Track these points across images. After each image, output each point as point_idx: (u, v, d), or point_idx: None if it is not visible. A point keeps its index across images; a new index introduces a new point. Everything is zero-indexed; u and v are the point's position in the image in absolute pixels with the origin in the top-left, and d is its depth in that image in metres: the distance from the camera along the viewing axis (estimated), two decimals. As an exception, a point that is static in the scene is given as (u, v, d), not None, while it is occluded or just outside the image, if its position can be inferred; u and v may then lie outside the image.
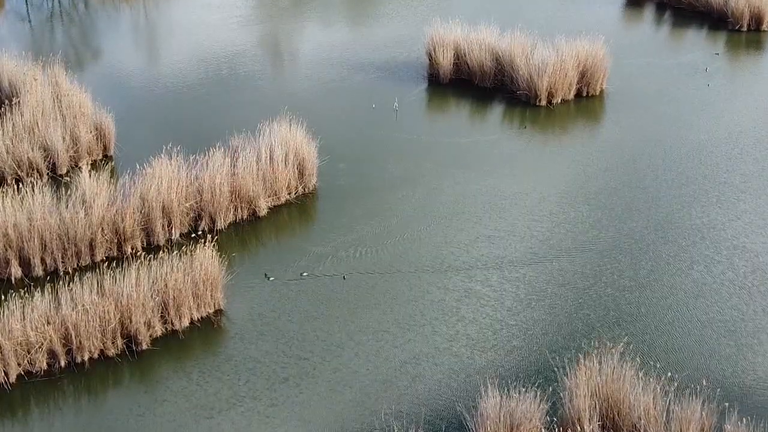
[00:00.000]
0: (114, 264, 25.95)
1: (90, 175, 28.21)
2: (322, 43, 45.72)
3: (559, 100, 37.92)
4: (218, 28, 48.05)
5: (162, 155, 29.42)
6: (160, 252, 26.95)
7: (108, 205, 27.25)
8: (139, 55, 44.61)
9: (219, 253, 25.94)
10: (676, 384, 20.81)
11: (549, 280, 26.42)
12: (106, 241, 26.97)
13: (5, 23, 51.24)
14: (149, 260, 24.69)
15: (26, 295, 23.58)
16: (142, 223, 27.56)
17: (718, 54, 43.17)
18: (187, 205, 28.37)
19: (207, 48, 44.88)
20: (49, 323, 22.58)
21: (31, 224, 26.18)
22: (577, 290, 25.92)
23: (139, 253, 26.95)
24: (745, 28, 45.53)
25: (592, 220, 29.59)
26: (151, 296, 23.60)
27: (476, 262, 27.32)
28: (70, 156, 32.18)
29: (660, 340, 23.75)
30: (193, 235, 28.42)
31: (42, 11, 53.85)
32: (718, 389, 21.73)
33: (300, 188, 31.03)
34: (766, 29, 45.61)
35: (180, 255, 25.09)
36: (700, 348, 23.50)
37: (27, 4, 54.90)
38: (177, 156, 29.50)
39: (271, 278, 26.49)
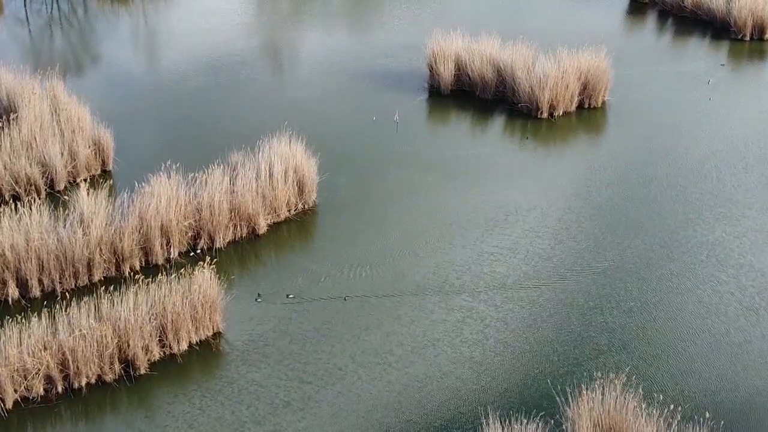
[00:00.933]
0: (112, 284, 25.69)
1: (88, 194, 27.88)
2: (322, 51, 45.40)
3: (561, 113, 37.61)
4: (217, 36, 47.68)
5: (161, 172, 29.14)
6: (159, 271, 26.79)
7: (106, 224, 26.95)
8: (138, 63, 44.28)
9: (218, 273, 25.71)
10: (679, 415, 20.53)
11: (553, 302, 26.12)
12: (104, 261, 26.68)
13: (4, 28, 50.94)
14: (147, 283, 24.37)
15: (23, 319, 23.27)
16: (141, 243, 27.27)
17: (723, 65, 42.83)
18: (186, 223, 28.07)
19: (206, 56, 44.53)
20: (46, 349, 22.29)
21: (28, 245, 25.89)
22: (582, 312, 25.62)
23: (137, 273, 26.66)
24: (747, 38, 45.20)
25: (596, 237, 29.30)
26: (149, 320, 23.31)
27: (479, 281, 27.01)
28: (69, 172, 31.89)
29: (665, 366, 23.44)
30: (191, 254, 28.15)
31: (41, 16, 53.53)
32: (722, 421, 21.41)
33: (300, 205, 30.73)
34: (769, 38, 45.40)
35: (178, 277, 24.81)
36: (706, 374, 23.17)
37: (26, 9, 54.58)
38: (176, 173, 29.17)
39: (259, 300, 26.24)
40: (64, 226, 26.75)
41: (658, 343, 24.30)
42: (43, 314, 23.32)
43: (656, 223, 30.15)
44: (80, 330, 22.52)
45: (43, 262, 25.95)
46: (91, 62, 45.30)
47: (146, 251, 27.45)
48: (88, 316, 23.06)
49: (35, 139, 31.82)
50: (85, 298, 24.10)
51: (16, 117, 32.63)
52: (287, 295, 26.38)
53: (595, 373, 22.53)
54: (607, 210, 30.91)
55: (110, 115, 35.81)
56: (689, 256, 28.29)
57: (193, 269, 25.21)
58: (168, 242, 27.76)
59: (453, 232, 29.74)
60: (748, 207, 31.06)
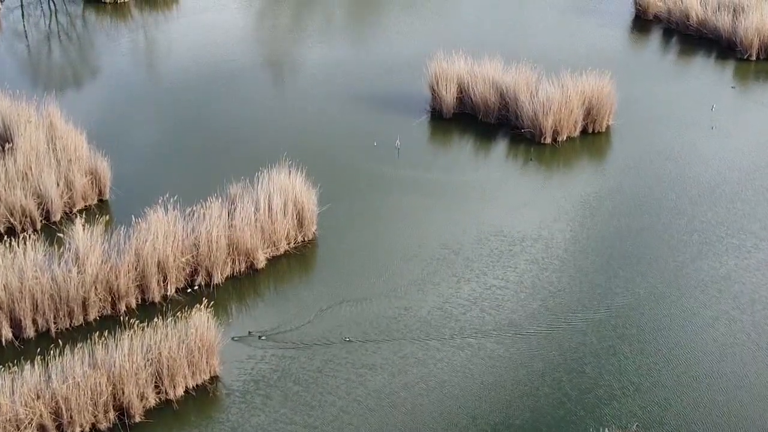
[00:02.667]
0: (107, 323, 25.29)
1: (83, 228, 27.38)
2: (323, 70, 44.80)
3: (565, 138, 37.09)
4: (217, 53, 47.03)
5: (158, 204, 28.65)
6: (156, 309, 26.39)
7: (102, 262, 26.48)
8: (136, 83, 43.69)
9: (215, 311, 25.30)
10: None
11: (564, 341, 25.55)
12: (100, 300, 26.21)
13: (2, 42, 50.49)
14: (143, 328, 23.87)
15: (16, 365, 22.76)
16: (137, 280, 26.79)
17: (734, 87, 42.20)
18: (183, 260, 27.60)
19: (205, 75, 43.96)
20: (39, 398, 21.80)
21: (22, 284, 25.41)
22: (594, 353, 25.06)
23: (133, 312, 26.25)
24: (754, 57, 44.62)
25: (605, 271, 28.76)
26: (145, 366, 22.82)
27: (485, 321, 26.48)
28: (65, 202, 31.42)
29: (680, 413, 22.91)
30: (189, 290, 27.68)
31: (39, 29, 53.06)
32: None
33: (300, 237, 30.24)
34: (775, 58, 44.81)
35: (175, 320, 24.31)
36: (722, 421, 22.70)
37: (24, 22, 54.11)
38: (173, 207, 28.66)
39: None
40: (59, 265, 26.27)
41: (672, 386, 23.76)
42: (36, 360, 22.83)
43: (666, 254, 29.60)
44: (74, 378, 22.04)
45: (37, 302, 25.47)
46: (88, 81, 44.76)
47: (142, 288, 26.97)
48: (82, 362, 22.57)
49: (31, 169, 31.34)
50: (80, 344, 23.58)
51: (12, 147, 32.15)
52: (259, 337, 25.82)
53: (608, 420, 22.03)
54: (615, 241, 30.38)
55: (107, 140, 35.40)
56: (701, 291, 27.74)
57: (190, 310, 24.74)
58: (165, 279, 27.28)
59: (456, 264, 29.24)
60: (761, 238, 30.49)
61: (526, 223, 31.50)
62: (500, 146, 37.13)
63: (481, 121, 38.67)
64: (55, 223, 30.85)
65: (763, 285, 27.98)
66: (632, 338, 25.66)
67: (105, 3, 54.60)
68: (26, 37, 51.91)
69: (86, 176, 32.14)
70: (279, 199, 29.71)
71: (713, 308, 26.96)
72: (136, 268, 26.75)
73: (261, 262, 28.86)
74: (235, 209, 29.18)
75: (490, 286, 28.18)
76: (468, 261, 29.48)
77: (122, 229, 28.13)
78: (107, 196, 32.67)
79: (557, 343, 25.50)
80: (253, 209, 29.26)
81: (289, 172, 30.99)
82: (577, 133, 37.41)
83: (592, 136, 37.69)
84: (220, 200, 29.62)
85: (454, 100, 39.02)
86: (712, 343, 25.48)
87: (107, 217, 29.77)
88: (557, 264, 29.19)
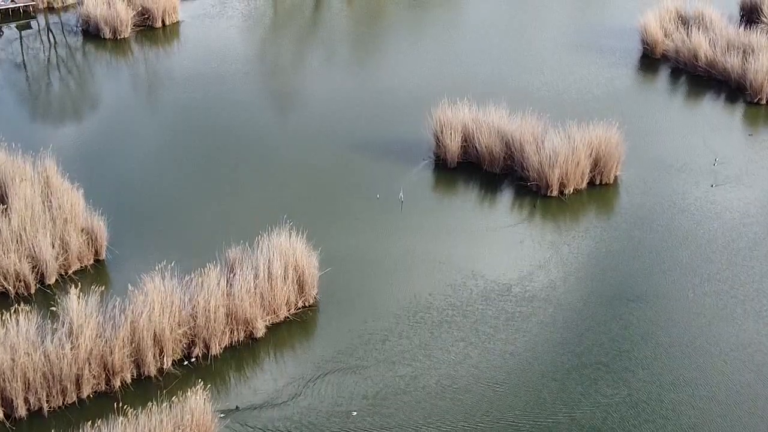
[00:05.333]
0: (101, 400, 24.62)
1: (78, 298, 26.63)
2: (323, 115, 43.84)
3: (572, 190, 36.30)
4: (217, 88, 46.27)
5: (155, 271, 27.95)
6: (151, 383, 25.72)
7: (96, 336, 25.75)
8: (134, 128, 42.65)
9: (213, 385, 24.62)
10: None
11: (582, 425, 24.64)
12: (94, 376, 25.46)
13: (1, 72, 49.86)
14: (136, 414, 23.12)
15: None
16: (133, 355, 26.06)
17: (751, 135, 41.30)
18: (180, 332, 26.86)
19: (205, 119, 43.20)
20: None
21: (14, 362, 24.68)
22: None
23: (128, 386, 25.57)
24: (764, 101, 43.80)
25: (616, 335, 27.97)
26: (139, 456, 22.13)
27: (499, 394, 25.70)
28: (60, 264, 30.69)
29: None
30: (186, 362, 26.94)
31: (38, 60, 52.45)
32: None
33: (300, 303, 29.48)
34: (787, 102, 43.99)
35: (170, 404, 23.56)
36: None
37: (23, 54, 53.47)
38: (170, 274, 27.95)
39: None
40: (52, 340, 25.52)
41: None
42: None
43: (682, 318, 28.77)
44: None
45: (29, 380, 24.73)
46: (86, 125, 43.76)
47: (138, 363, 26.21)
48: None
49: (25, 230, 30.62)
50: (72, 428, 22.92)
51: (6, 207, 31.45)
52: (220, 416, 25.00)
53: None
54: (628, 303, 29.52)
55: (104, 193, 34.90)
56: (722, 361, 26.89)
57: (186, 387, 24.02)
58: (161, 352, 26.53)
59: (464, 327, 28.52)
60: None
61: (535, 283, 30.76)
62: (506, 199, 36.35)
63: (485, 171, 37.92)
64: (50, 286, 30.15)
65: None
66: (656, 423, 24.78)
67: (104, 39, 53.90)
68: (25, 67, 51.25)
69: (82, 236, 31.43)
70: (279, 263, 28.97)
71: (735, 381, 26.11)
72: (131, 343, 26.01)
73: (260, 330, 28.09)
74: (233, 276, 28.47)
75: (502, 350, 27.49)
76: (477, 323, 28.78)
77: (118, 298, 27.41)
78: (103, 256, 31.93)
79: (578, 426, 24.65)
80: (252, 275, 28.54)
81: (290, 233, 30.27)
82: (584, 185, 36.63)
83: (599, 188, 36.89)
84: (218, 266, 28.92)
85: (459, 148, 38.28)
86: (736, 423, 24.65)
87: (103, 282, 29.07)
88: (567, 326, 28.40)
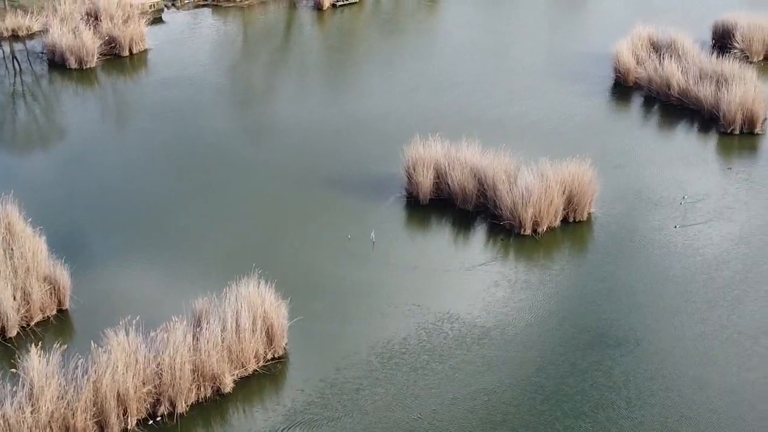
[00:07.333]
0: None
1: (39, 358, 25.76)
2: (292, 149, 43.04)
3: (545, 229, 35.79)
4: (184, 125, 45.48)
5: (119, 326, 27.15)
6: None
7: (58, 398, 24.91)
8: (99, 166, 41.62)
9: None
10: None
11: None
12: (55, 440, 24.67)
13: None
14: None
15: None
16: (95, 416, 25.23)
17: (730, 168, 40.84)
18: (145, 390, 26.07)
19: (172, 153, 42.40)
20: None
21: (-30, 429, 23.87)
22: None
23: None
24: (737, 131, 43.55)
25: (597, 383, 27.48)
26: None
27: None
28: (22, 316, 29.82)
29: None
30: (150, 422, 26.14)
31: (3, 87, 51.50)
32: None
33: (269, 354, 28.74)
34: (759, 132, 43.62)
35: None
36: None
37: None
38: (134, 328, 27.15)
39: None
40: (12, 403, 24.65)
41: None
42: None
43: (665, 362, 28.29)
44: None
45: (-13, 447, 23.94)
46: (50, 158, 42.92)
47: (101, 424, 25.38)
48: None
49: (-15, 282, 29.77)
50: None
51: (-35, 259, 30.61)
52: None
53: None
54: (608, 348, 28.97)
55: (66, 237, 34.15)
56: (708, 410, 26.38)
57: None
58: (125, 412, 25.73)
59: (443, 373, 27.97)
60: (762, 345, 29.15)
61: (512, 327, 30.28)
62: (479, 238, 35.80)
63: (458, 208, 37.38)
64: (11, 339, 29.27)
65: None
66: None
67: (70, 69, 52.95)
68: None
69: (45, 285, 30.56)
70: (247, 315, 28.24)
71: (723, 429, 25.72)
72: (94, 404, 25.20)
73: (228, 385, 27.34)
74: (200, 330, 27.71)
75: (480, 402, 26.91)
76: (453, 371, 28.22)
77: (81, 355, 26.52)
78: (67, 306, 31.07)
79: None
80: (219, 328, 27.79)
81: (258, 282, 29.55)
82: (557, 223, 36.14)
83: (573, 225, 36.41)
84: (184, 319, 28.15)
85: (432, 185, 37.74)
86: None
87: (66, 334, 28.27)
88: (548, 379, 27.82)
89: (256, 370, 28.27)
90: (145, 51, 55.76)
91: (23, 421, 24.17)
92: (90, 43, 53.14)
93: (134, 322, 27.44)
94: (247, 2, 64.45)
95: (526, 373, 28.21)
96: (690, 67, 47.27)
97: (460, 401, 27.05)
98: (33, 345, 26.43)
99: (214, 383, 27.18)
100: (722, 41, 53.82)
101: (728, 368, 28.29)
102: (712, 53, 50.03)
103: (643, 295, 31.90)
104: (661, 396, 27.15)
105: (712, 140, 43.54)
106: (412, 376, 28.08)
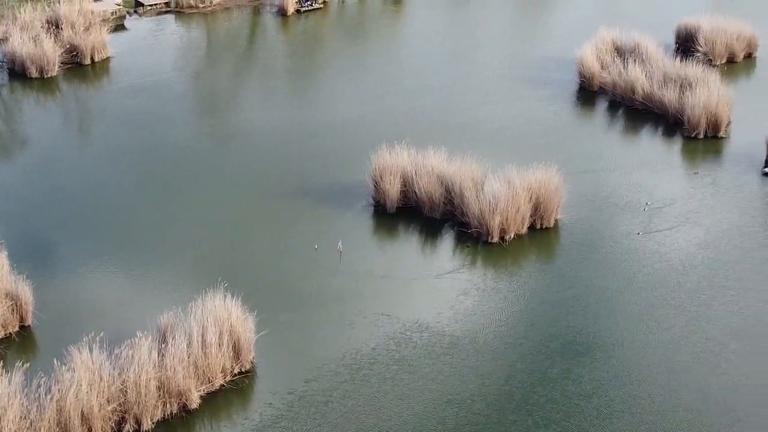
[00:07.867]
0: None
1: (0, 379, 25.30)
2: (258, 157, 42.54)
3: (512, 236, 35.72)
4: (147, 128, 44.95)
5: (83, 343, 26.74)
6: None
7: (20, 419, 24.47)
8: (61, 176, 41.00)
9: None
10: None
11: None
12: (17, 463, 24.21)
13: None
14: None
15: None
16: (59, 437, 24.85)
17: (697, 173, 40.82)
18: (110, 408, 25.67)
19: (135, 162, 41.77)
20: None
21: (-70, 452, 23.37)
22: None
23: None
24: (702, 135, 43.71)
25: (568, 391, 27.39)
26: None
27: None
28: (-18, 334, 29.33)
29: None
30: (116, 440, 25.81)
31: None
32: None
33: (236, 369, 28.45)
34: (723, 136, 43.84)
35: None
36: None
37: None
38: (98, 343, 26.79)
39: None
40: (-28, 425, 24.24)
41: None
42: None
43: (635, 370, 28.26)
44: None
45: (-53, 471, 23.44)
46: (9, 169, 42.17)
47: (65, 444, 25.02)
48: None
49: (-56, 299, 29.20)
50: None
51: None
52: None
53: None
54: (578, 355, 28.97)
55: (30, 250, 33.55)
56: (682, 419, 26.50)
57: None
58: (90, 430, 25.35)
59: (412, 384, 27.76)
60: (732, 351, 29.25)
61: (481, 335, 30.19)
62: (447, 246, 35.67)
63: (426, 216, 37.22)
64: (-30, 359, 28.77)
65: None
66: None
67: (31, 78, 52.14)
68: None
69: (6, 301, 30.03)
70: (213, 329, 27.92)
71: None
72: (58, 423, 24.80)
73: (195, 401, 27.02)
74: (165, 346, 27.33)
75: (452, 414, 26.80)
76: (424, 381, 28.13)
77: (44, 374, 26.09)
78: (29, 322, 30.55)
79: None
80: (185, 343, 27.44)
81: (224, 296, 29.21)
82: (524, 230, 36.08)
83: (540, 232, 36.36)
84: (149, 334, 27.77)
85: (399, 193, 37.55)
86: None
87: (29, 352, 27.80)
88: (518, 388, 27.76)
89: (223, 385, 27.98)
90: (108, 59, 54.94)
91: (-16, 443, 23.72)
92: (51, 52, 52.29)
93: (98, 338, 27.08)
94: (210, 8, 63.84)
95: (496, 382, 28.16)
96: (654, 71, 47.39)
97: (430, 412, 26.95)
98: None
99: (180, 399, 26.85)
100: (685, 45, 54.00)
101: (698, 374, 28.36)
102: (676, 57, 50.20)
103: (611, 301, 31.95)
104: (631, 403, 27.19)
105: (676, 144, 43.69)
106: (382, 387, 27.93)
